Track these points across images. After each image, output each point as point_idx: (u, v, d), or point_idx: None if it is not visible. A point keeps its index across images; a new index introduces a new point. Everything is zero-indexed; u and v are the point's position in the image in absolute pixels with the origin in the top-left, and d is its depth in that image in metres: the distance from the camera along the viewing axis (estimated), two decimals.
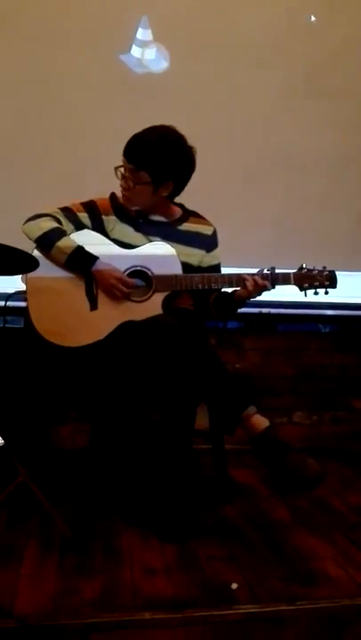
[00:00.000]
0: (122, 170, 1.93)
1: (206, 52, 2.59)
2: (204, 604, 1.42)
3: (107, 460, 2.12)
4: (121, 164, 1.93)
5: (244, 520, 1.91)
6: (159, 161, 1.88)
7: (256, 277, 1.89)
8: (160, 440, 1.80)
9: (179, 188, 1.97)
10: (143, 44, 2.56)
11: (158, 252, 1.95)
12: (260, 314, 2.74)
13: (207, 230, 2.08)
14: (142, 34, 2.55)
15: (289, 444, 1.72)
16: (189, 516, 1.81)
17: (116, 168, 1.93)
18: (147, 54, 2.56)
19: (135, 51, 2.56)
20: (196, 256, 2.04)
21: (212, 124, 2.52)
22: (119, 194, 2.00)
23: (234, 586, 1.49)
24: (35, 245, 1.92)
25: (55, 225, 1.92)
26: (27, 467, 1.69)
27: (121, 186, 1.96)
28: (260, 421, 1.74)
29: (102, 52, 2.54)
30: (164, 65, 2.58)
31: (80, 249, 1.90)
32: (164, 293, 1.91)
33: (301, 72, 2.68)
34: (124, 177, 1.93)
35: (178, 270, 1.93)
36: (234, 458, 2.14)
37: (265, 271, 1.91)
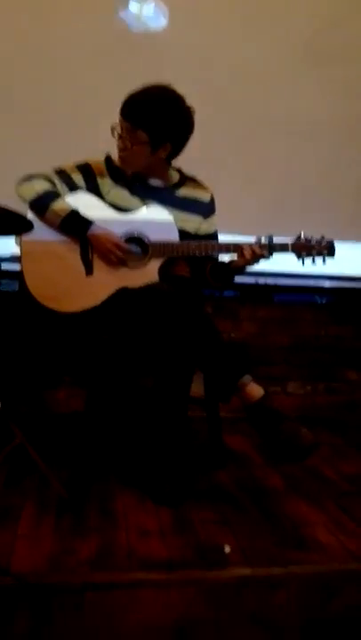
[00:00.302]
0: (118, 129, 1.87)
1: (206, 10, 2.51)
2: (198, 565, 1.44)
3: (102, 424, 2.13)
4: (118, 122, 1.87)
5: (238, 486, 1.93)
6: (157, 120, 1.82)
7: (253, 246, 1.87)
8: (155, 406, 1.81)
9: (177, 150, 1.92)
10: (141, 0, 2.48)
11: (155, 218, 1.92)
12: (257, 284, 2.73)
13: (205, 196, 2.05)
14: None
15: (283, 413, 1.73)
16: (184, 480, 1.83)
17: (113, 127, 1.87)
18: (145, 10, 2.48)
19: (133, 6, 2.48)
20: (194, 222, 2.01)
21: (210, 85, 2.46)
22: (115, 156, 1.95)
23: (227, 549, 1.51)
24: (28, 207, 1.89)
25: (49, 187, 1.89)
26: (23, 429, 1.70)
27: (117, 146, 1.90)
28: (256, 390, 1.75)
29: (100, 8, 2.46)
30: (162, 22, 2.50)
31: (75, 213, 1.87)
32: (161, 260, 1.89)
33: (304, 35, 2.61)
34: (120, 137, 1.88)
35: (175, 237, 1.90)
36: (229, 425, 2.15)
37: (262, 239, 1.89)
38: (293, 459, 1.75)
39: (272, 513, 1.75)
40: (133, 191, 1.95)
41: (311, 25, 2.61)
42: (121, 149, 1.90)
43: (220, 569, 1.44)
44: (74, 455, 2.03)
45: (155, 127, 1.83)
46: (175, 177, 2.03)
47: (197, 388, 1.94)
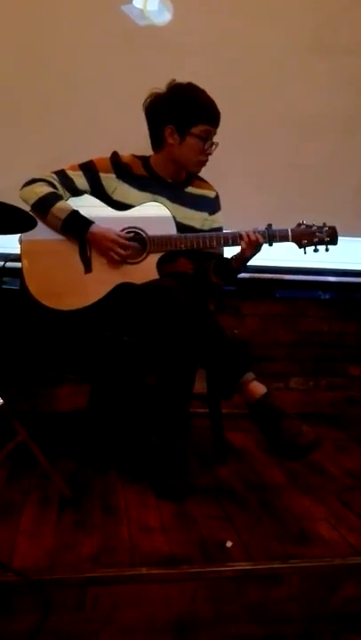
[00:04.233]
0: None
1: (211, 3, 2.50)
2: (200, 560, 1.44)
3: (105, 420, 2.13)
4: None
5: (240, 481, 1.93)
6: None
7: (249, 232, 1.86)
8: (158, 403, 1.81)
9: None
10: None
11: (153, 214, 1.92)
12: (260, 279, 2.72)
13: (211, 194, 2.08)
14: None
15: (285, 410, 1.73)
16: (186, 475, 1.83)
17: (215, 144, 1.95)
18: (149, 5, 2.47)
19: (137, 1, 2.47)
20: (200, 219, 2.03)
21: (214, 80, 2.44)
22: (121, 152, 1.98)
23: (229, 544, 1.51)
24: (30, 210, 1.89)
25: (50, 189, 1.90)
26: (26, 427, 1.70)
27: (209, 154, 1.97)
28: (258, 388, 1.75)
29: (104, 3, 2.45)
30: (166, 17, 2.49)
31: (75, 213, 1.88)
32: (159, 254, 1.90)
33: (310, 28, 2.59)
34: (214, 144, 1.96)
35: (173, 232, 1.91)
36: (232, 422, 2.16)
37: (260, 229, 1.87)
38: (294, 456, 1.75)
39: (274, 508, 1.76)
40: (144, 187, 1.97)
41: (318, 16, 2.58)
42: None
43: (221, 563, 1.44)
44: (77, 453, 2.03)
45: None
46: (183, 175, 2.05)
47: (200, 384, 1.94)
